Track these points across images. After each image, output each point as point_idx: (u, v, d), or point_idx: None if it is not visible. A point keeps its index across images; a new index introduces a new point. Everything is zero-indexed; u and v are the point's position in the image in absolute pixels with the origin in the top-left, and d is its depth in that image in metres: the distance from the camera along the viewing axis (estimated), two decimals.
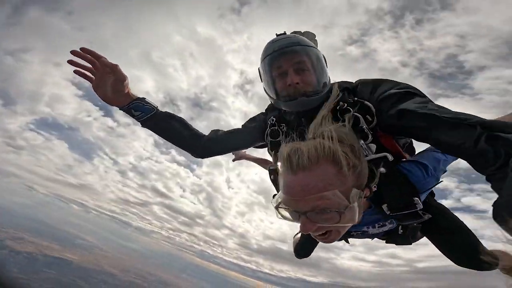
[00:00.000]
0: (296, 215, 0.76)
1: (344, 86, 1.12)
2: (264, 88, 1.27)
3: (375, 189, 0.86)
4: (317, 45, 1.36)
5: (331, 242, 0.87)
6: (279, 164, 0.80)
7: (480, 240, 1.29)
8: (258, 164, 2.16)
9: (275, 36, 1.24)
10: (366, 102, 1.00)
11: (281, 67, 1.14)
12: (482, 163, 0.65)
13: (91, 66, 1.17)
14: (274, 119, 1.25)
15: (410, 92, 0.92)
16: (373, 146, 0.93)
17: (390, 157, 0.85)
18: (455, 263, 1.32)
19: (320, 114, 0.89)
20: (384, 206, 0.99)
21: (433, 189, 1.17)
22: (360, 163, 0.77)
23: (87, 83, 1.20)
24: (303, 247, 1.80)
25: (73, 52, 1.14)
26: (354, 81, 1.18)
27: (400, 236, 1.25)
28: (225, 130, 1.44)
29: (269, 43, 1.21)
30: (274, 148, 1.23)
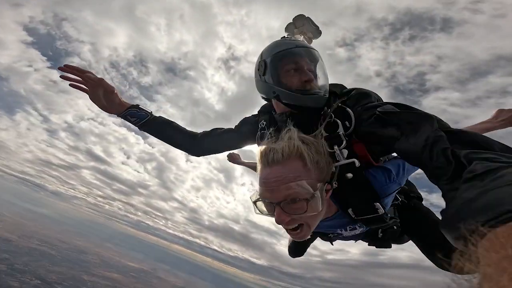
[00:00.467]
0: (271, 206, 0.88)
1: (333, 91, 1.18)
2: (264, 81, 1.23)
3: (336, 185, 0.96)
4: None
5: (303, 238, 0.94)
6: (257, 160, 0.93)
7: None
8: (253, 169, 2.18)
9: (281, 38, 1.28)
10: (348, 109, 1.04)
11: (298, 63, 1.17)
12: (436, 173, 0.65)
13: (80, 79, 1.33)
14: (265, 122, 1.29)
15: (390, 107, 0.93)
16: (345, 152, 1.00)
17: (357, 163, 0.96)
18: (437, 265, 1.26)
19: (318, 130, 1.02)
20: (350, 210, 1.05)
21: (421, 194, 1.38)
22: (322, 160, 0.90)
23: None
24: (296, 247, 1.87)
25: (59, 68, 1.30)
26: (347, 88, 1.21)
27: (380, 239, 1.34)
28: (219, 130, 1.50)
29: (283, 40, 1.25)
30: None
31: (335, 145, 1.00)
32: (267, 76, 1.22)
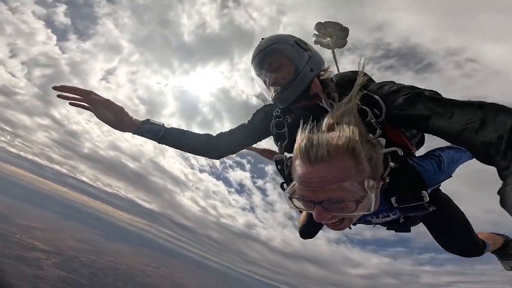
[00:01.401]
0: (311, 204, 0.77)
1: (353, 77, 1.08)
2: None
3: (388, 180, 0.89)
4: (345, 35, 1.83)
5: (341, 230, 0.88)
6: (294, 154, 0.81)
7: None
8: (264, 155, 2.17)
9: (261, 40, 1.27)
10: (376, 96, 0.99)
11: (262, 72, 1.23)
12: (487, 151, 0.62)
13: (81, 98, 1.26)
14: (279, 110, 1.30)
15: (418, 89, 0.92)
16: (383, 141, 0.93)
17: (400, 152, 0.89)
18: (445, 249, 1.41)
19: (343, 104, 0.89)
20: (393, 199, 0.99)
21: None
22: (376, 155, 0.81)
23: None
24: (308, 228, 1.77)
25: (54, 88, 1.21)
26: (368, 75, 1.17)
27: (401, 225, 1.32)
28: (233, 129, 1.51)
29: (255, 49, 1.25)
30: (279, 139, 1.30)
31: (369, 134, 0.90)
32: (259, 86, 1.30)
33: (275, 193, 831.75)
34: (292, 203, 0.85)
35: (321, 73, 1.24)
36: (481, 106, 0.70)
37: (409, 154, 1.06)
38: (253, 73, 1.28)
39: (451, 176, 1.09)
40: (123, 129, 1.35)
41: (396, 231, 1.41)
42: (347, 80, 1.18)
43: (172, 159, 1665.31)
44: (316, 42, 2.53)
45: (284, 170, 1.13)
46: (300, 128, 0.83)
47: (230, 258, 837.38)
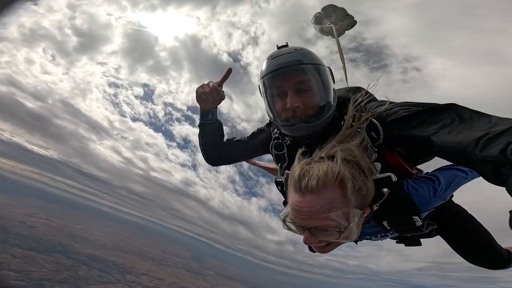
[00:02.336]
0: (301, 229, 0.87)
1: (349, 98, 1.09)
2: (266, 103, 1.22)
3: (377, 207, 0.94)
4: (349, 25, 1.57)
5: (328, 252, 0.95)
6: (288, 181, 0.90)
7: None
8: (268, 171, 2.24)
9: (276, 49, 1.16)
10: (374, 120, 0.99)
11: (281, 87, 1.09)
12: (489, 170, 0.62)
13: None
14: (278, 132, 1.28)
15: (417, 107, 0.93)
16: (378, 165, 0.97)
17: (394, 178, 0.92)
18: (470, 262, 1.38)
19: (340, 134, 0.97)
20: (385, 223, 1.03)
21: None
22: (365, 186, 0.86)
23: None
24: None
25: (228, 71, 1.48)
26: (365, 90, 1.12)
27: (409, 239, 1.31)
28: (236, 139, 1.59)
29: (268, 58, 1.14)
30: (279, 161, 1.29)
31: (362, 163, 0.92)
32: (264, 99, 1.19)
33: None
34: (286, 225, 0.93)
35: None
36: (489, 119, 0.69)
37: (406, 176, 1.06)
38: (263, 83, 1.15)
39: (446, 200, 1.08)
40: (210, 106, 1.50)
41: (405, 245, 1.39)
42: (345, 102, 1.11)
43: (95, 102, 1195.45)
44: (319, 27, 2.27)
45: (285, 191, 1.15)
46: (297, 157, 0.93)
47: (157, 213, 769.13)
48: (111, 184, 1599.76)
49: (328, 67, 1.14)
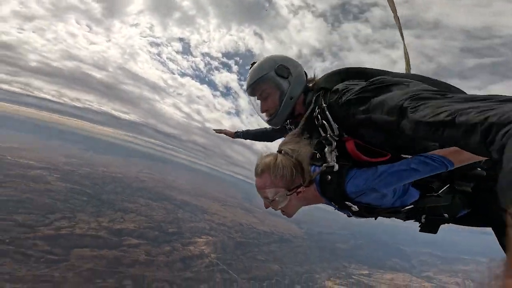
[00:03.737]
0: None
1: (322, 87, 1.23)
2: None
3: (303, 190, 1.20)
4: None
5: (289, 217, 1.30)
6: None
7: None
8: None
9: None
10: (336, 109, 1.10)
11: (253, 100, 1.56)
12: (479, 146, 0.59)
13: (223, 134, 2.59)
14: (288, 122, 1.60)
15: (383, 86, 0.95)
16: (333, 154, 1.12)
17: (336, 167, 1.09)
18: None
19: (289, 135, 1.30)
20: (332, 203, 1.23)
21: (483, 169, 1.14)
22: (291, 173, 1.16)
23: None
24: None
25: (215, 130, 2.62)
26: (339, 73, 1.25)
27: (423, 225, 1.29)
28: (272, 129, 2.14)
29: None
30: None
31: (326, 147, 1.14)
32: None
33: None
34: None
35: (309, 85, 1.44)
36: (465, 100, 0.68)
37: (362, 163, 1.11)
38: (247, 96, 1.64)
39: (380, 191, 1.08)
40: (231, 135, 2.50)
41: (419, 231, 1.34)
42: (320, 90, 1.25)
43: (145, 63, 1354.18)
44: None
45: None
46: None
47: (216, 161, 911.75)
48: (180, 139, 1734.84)
49: (278, 67, 1.41)
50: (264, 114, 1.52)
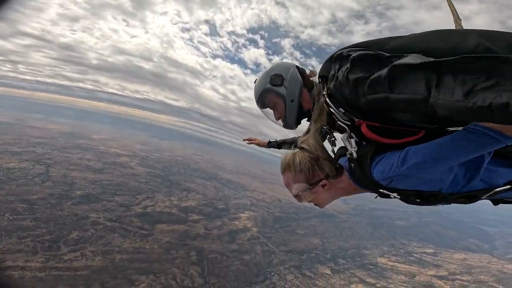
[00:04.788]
0: None
1: (320, 76, 1.16)
2: None
3: (327, 180, 1.17)
4: None
5: (321, 208, 1.28)
6: None
7: None
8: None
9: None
10: (328, 101, 1.07)
11: (267, 111, 1.73)
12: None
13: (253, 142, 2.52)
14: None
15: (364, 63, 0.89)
16: (351, 141, 1.06)
17: (354, 155, 1.03)
18: None
19: (308, 129, 1.27)
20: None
21: None
22: (306, 168, 1.17)
23: None
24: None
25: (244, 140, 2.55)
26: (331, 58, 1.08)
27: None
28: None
29: None
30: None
31: (342, 135, 1.12)
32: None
33: None
34: None
35: (307, 81, 1.52)
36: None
37: (384, 147, 1.00)
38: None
39: (408, 176, 0.94)
40: (263, 146, 2.45)
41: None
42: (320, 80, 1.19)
43: (182, 50, 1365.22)
44: None
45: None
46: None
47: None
48: (221, 120, 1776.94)
49: (271, 79, 1.56)
50: (279, 121, 1.69)
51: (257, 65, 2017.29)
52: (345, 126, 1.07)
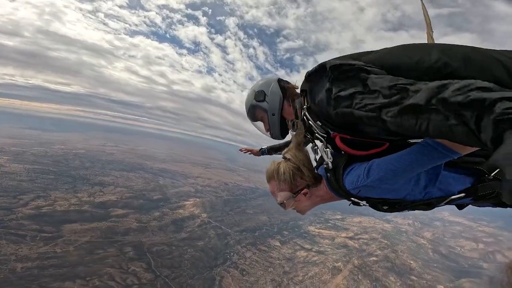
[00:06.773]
0: None
1: (301, 90, 1.21)
2: None
3: (307, 191, 1.24)
4: None
5: (302, 214, 1.33)
6: None
7: None
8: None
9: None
10: (313, 108, 1.10)
11: (257, 124, 1.82)
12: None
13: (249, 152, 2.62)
14: None
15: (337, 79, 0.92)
16: (327, 152, 1.15)
17: (330, 165, 1.12)
18: None
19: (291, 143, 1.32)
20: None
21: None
22: (292, 176, 1.22)
23: None
24: None
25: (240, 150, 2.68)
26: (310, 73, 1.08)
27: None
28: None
29: None
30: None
31: (320, 145, 1.18)
32: None
33: (237, 50, 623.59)
34: None
35: (290, 94, 1.65)
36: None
37: (355, 158, 1.07)
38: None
39: (377, 187, 0.99)
40: (257, 153, 2.56)
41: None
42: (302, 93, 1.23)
43: (78, 23, 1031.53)
44: None
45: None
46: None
47: (190, 125, 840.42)
48: (144, 106, 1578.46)
49: (255, 95, 1.69)
50: (268, 133, 1.78)
51: (197, 44, 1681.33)
52: (322, 138, 1.15)
